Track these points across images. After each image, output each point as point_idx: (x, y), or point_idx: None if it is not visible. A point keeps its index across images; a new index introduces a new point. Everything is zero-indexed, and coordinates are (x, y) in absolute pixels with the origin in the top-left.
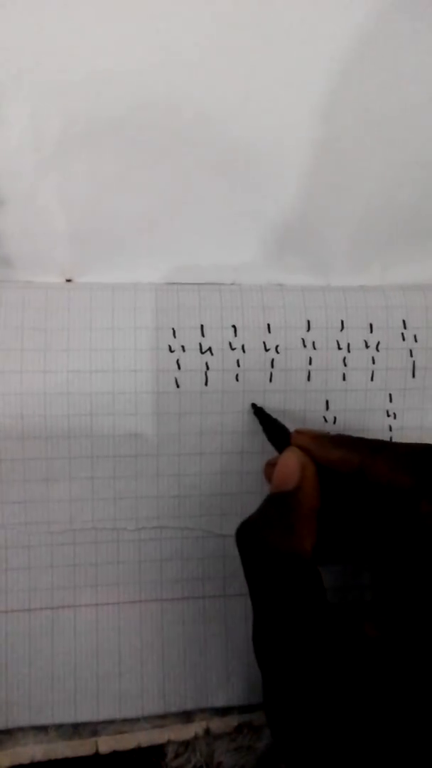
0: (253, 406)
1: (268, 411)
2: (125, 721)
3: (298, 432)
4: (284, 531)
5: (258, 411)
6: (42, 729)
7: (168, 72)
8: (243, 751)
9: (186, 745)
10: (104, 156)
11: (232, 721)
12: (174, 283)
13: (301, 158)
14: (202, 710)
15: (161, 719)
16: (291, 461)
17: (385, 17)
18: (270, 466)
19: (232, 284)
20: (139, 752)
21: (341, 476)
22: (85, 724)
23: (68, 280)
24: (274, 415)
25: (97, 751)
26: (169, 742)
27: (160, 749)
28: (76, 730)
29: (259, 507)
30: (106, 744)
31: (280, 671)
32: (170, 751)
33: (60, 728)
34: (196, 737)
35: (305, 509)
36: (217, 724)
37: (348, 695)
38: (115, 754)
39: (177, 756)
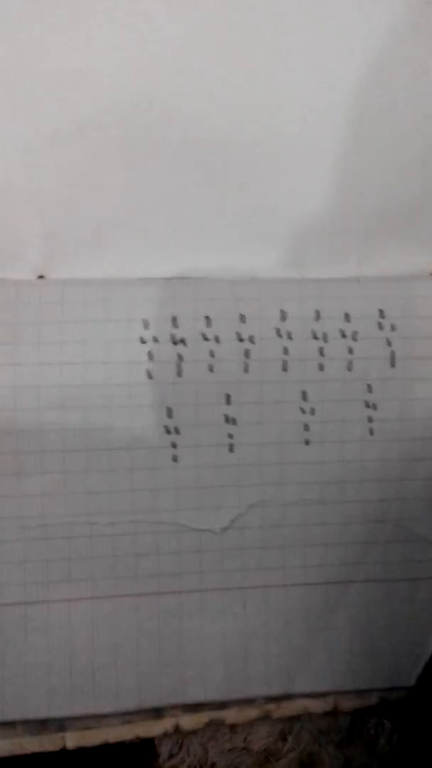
0: None
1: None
2: (93, 716)
3: None
4: None
5: None
6: (9, 724)
7: (142, 68)
8: (237, 752)
9: (180, 745)
10: (75, 154)
11: (203, 717)
12: (146, 278)
13: (274, 151)
14: (174, 707)
15: (130, 715)
16: None
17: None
18: None
19: (205, 278)
20: (132, 752)
21: None
22: (52, 720)
23: (40, 277)
24: (250, 406)
25: (64, 746)
26: (163, 742)
27: (153, 749)
28: (43, 725)
29: None
30: (73, 739)
31: None
32: (164, 752)
33: (26, 723)
34: (166, 734)
35: None
36: (187, 721)
37: None
38: (107, 755)
39: (171, 756)
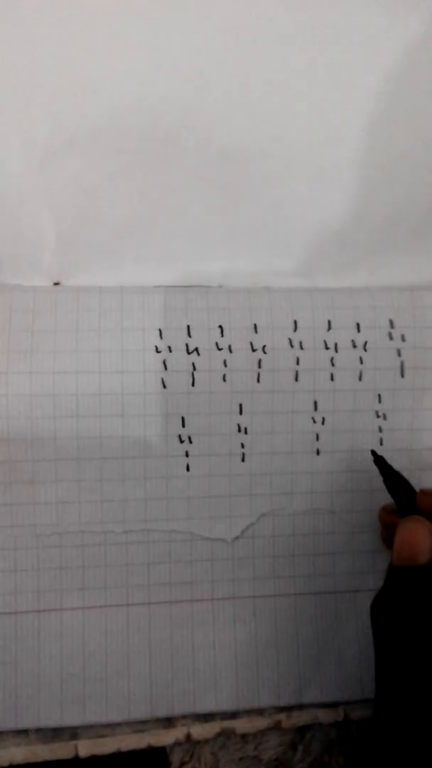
0: (374, 454)
1: (388, 461)
2: (105, 725)
3: (424, 494)
4: (426, 613)
5: (379, 461)
6: (22, 732)
7: (156, 78)
8: (248, 761)
9: (191, 753)
10: (91, 162)
11: (214, 727)
12: (160, 286)
13: (288, 163)
14: (184, 716)
15: (142, 724)
16: (419, 534)
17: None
18: (386, 513)
19: (218, 287)
20: (143, 760)
21: None
22: (65, 728)
23: (56, 284)
24: (262, 415)
25: (76, 754)
26: (174, 750)
27: (165, 758)
28: (55, 733)
29: (387, 580)
30: (85, 748)
31: (402, 745)
32: (175, 760)
33: (39, 731)
34: (177, 743)
35: None
36: (198, 731)
37: None
38: (120, 762)
39: (182, 765)
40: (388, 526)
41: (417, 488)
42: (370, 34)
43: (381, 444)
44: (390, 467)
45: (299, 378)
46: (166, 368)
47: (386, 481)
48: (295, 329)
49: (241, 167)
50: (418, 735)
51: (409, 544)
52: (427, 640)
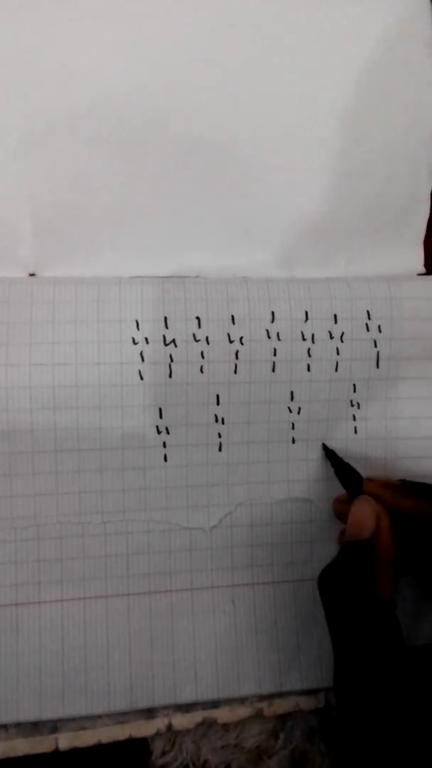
0: (324, 447)
1: (339, 455)
2: (86, 717)
3: (369, 480)
4: (366, 580)
5: (330, 454)
6: (1, 727)
7: (137, 66)
8: (230, 749)
9: (172, 742)
10: (68, 152)
11: (196, 717)
12: (137, 277)
13: (266, 153)
14: (165, 707)
15: (123, 715)
16: (365, 511)
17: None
18: (338, 503)
19: (196, 277)
20: (124, 749)
21: (412, 519)
22: (45, 721)
23: (32, 275)
24: (239, 406)
25: (56, 747)
26: (155, 739)
27: (146, 747)
28: (35, 726)
29: (337, 555)
30: (66, 741)
31: (358, 711)
32: (156, 749)
33: (19, 725)
34: (159, 733)
35: (383, 558)
36: (180, 720)
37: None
38: (100, 751)
39: (163, 754)
40: (341, 516)
41: (390, 475)
42: (347, 25)
43: (355, 432)
44: (340, 459)
45: (276, 369)
46: (143, 360)
47: (337, 472)
48: (273, 320)
49: (218, 158)
50: (366, 700)
51: (357, 520)
52: (363, 607)
